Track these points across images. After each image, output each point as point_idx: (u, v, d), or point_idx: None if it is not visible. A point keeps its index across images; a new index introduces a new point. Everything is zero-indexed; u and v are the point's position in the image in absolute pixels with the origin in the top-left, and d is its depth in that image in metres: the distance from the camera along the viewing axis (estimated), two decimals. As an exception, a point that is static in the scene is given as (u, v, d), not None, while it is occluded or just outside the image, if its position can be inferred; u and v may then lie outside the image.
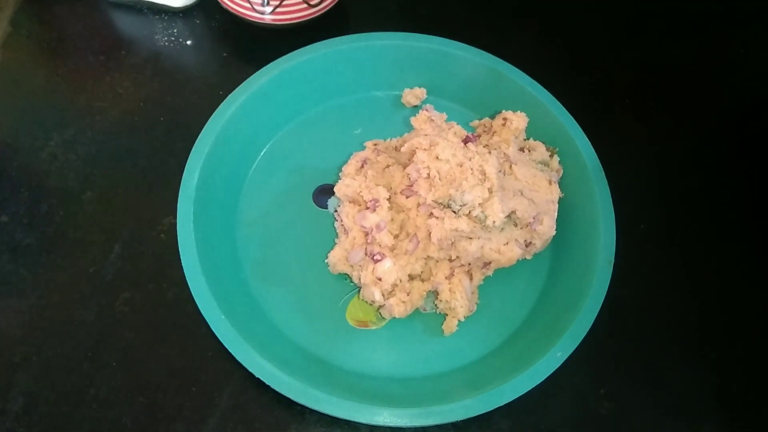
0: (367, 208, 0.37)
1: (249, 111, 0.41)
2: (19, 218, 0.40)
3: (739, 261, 0.42)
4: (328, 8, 0.47)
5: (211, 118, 0.40)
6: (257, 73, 0.42)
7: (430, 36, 0.45)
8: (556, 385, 0.35)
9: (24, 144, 0.42)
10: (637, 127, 0.48)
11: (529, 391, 0.33)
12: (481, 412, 0.33)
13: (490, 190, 0.35)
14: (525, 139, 0.43)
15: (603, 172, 0.40)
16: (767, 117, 0.49)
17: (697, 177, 0.46)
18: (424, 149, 0.37)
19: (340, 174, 0.41)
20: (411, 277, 0.38)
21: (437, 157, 0.36)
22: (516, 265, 0.38)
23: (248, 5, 0.45)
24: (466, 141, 0.39)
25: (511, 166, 0.39)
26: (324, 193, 0.42)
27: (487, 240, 0.37)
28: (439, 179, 0.36)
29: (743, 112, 0.50)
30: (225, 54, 0.48)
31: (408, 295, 0.37)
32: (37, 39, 0.47)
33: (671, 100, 0.49)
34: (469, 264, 0.38)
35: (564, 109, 0.43)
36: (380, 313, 0.38)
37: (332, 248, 0.39)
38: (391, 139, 0.43)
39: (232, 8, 0.46)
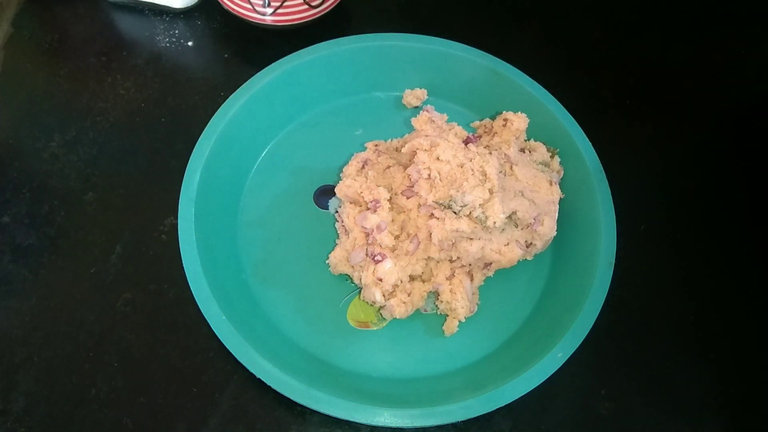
0: (368, 208, 0.37)
1: (250, 112, 0.41)
2: (20, 219, 0.40)
3: (739, 261, 0.42)
4: (329, 9, 0.47)
5: (212, 119, 0.40)
6: (258, 74, 0.42)
7: (431, 37, 0.45)
8: (557, 385, 0.35)
9: (25, 145, 0.42)
10: (637, 128, 0.48)
11: (530, 392, 0.33)
12: (481, 413, 0.33)
13: (491, 191, 0.35)
14: (526, 140, 0.43)
15: (604, 173, 0.40)
16: (767, 117, 0.49)
17: (697, 177, 0.46)
18: (425, 150, 0.37)
19: (341, 175, 0.41)
20: (412, 278, 0.38)
21: (438, 158, 0.36)
22: (517, 266, 0.38)
23: (249, 6, 0.45)
24: (466, 142, 0.39)
25: (511, 167, 0.39)
26: (325, 194, 0.42)
27: (487, 241, 0.37)
28: (440, 180, 0.36)
29: (743, 112, 0.50)
30: (226, 55, 0.48)
31: (409, 295, 0.37)
32: (39, 40, 0.47)
33: (671, 100, 0.49)
34: (470, 265, 0.38)
35: (564, 109, 0.43)
36: (381, 314, 0.38)
37: (333, 249, 0.39)
38: (391, 140, 0.43)
39: (234, 9, 0.46)
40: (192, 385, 0.35)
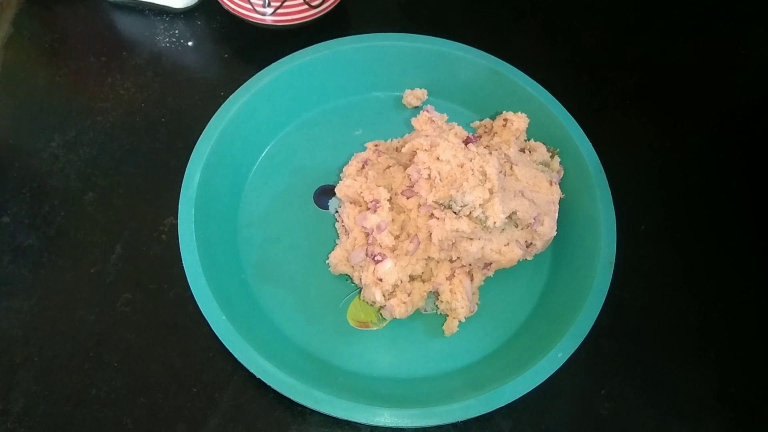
0: (368, 208, 0.37)
1: (250, 112, 0.41)
2: (20, 219, 0.40)
3: (739, 261, 0.42)
4: (329, 9, 0.47)
5: (212, 119, 0.40)
6: (258, 74, 0.42)
7: (431, 37, 0.45)
8: (557, 385, 0.35)
9: (25, 145, 0.42)
10: (637, 128, 0.48)
11: (530, 392, 0.33)
12: (481, 413, 0.33)
13: (491, 191, 0.35)
14: (526, 140, 0.43)
15: (604, 173, 0.40)
16: (767, 117, 0.49)
17: (697, 177, 0.46)
18: (425, 150, 0.37)
19: (341, 175, 0.41)
20: (412, 278, 0.38)
21: (438, 158, 0.36)
22: (517, 266, 0.38)
23: (249, 6, 0.45)
24: (466, 142, 0.39)
25: (511, 167, 0.39)
26: (325, 194, 0.42)
27: (487, 241, 0.37)
28: (440, 180, 0.36)
29: (743, 112, 0.50)
30: (226, 55, 0.48)
31: (409, 295, 0.37)
32: (39, 40, 0.47)
33: (671, 100, 0.49)
34: (470, 265, 0.38)
35: (564, 109, 0.43)
36: (381, 314, 0.38)
37: (333, 249, 0.39)
38: (391, 140, 0.43)
39: (234, 9, 0.46)
40: (192, 385, 0.35)
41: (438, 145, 0.36)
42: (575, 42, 0.52)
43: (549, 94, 0.43)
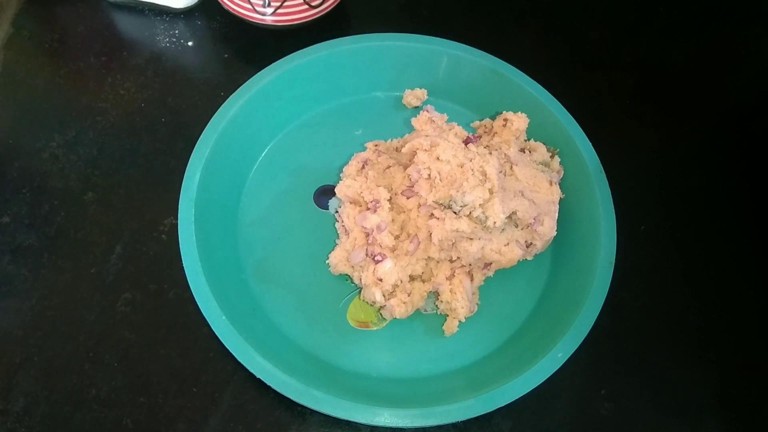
0: (368, 208, 0.37)
1: (250, 112, 0.41)
2: (20, 219, 0.40)
3: (739, 261, 0.42)
4: (329, 9, 0.47)
5: (212, 119, 0.40)
6: (258, 74, 0.42)
7: (431, 37, 0.45)
8: (557, 385, 0.35)
9: (25, 145, 0.42)
10: (637, 128, 0.48)
11: (530, 392, 0.33)
12: (481, 413, 0.33)
13: (491, 191, 0.35)
14: (526, 140, 0.43)
15: (604, 173, 0.40)
16: (767, 117, 0.49)
17: (697, 177, 0.46)
18: (425, 150, 0.37)
19: (341, 175, 0.41)
20: (412, 278, 0.38)
21: (438, 158, 0.36)
22: (517, 266, 0.38)
23: (249, 6, 0.45)
24: (466, 142, 0.39)
25: (511, 167, 0.39)
26: (325, 194, 0.42)
27: (487, 241, 0.37)
28: (440, 180, 0.36)
29: (743, 112, 0.50)
30: (226, 55, 0.48)
31: (409, 295, 0.37)
32: (39, 40, 0.47)
33: (671, 100, 0.49)
34: (470, 265, 0.38)
35: (564, 109, 0.43)
36: (381, 314, 0.38)
37: (333, 249, 0.39)
38: (391, 140, 0.43)
39: (234, 9, 0.46)
40: (192, 385, 0.35)
41: (438, 145, 0.36)
42: (575, 42, 0.52)
43: (549, 94, 0.43)
